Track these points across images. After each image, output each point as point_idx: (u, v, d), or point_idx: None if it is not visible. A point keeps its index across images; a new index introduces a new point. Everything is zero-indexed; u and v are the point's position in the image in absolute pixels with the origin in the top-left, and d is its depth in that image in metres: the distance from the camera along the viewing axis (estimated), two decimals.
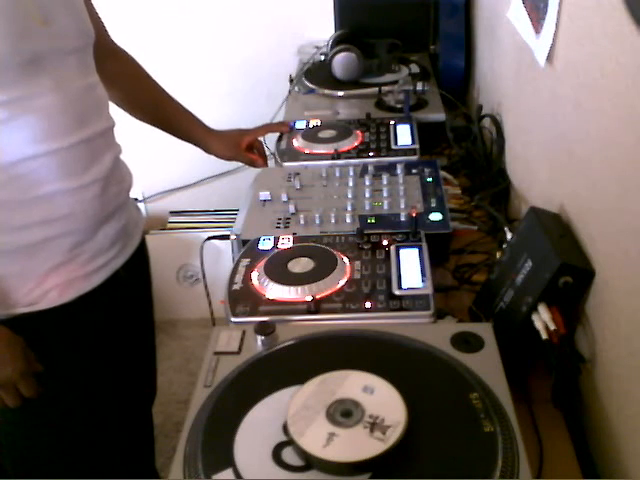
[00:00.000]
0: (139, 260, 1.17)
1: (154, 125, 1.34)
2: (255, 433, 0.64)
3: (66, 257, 0.98)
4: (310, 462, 0.60)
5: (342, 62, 1.65)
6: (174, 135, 1.36)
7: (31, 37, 0.89)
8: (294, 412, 0.64)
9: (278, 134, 1.42)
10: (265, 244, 0.98)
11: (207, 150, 1.38)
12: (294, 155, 1.31)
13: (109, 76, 1.13)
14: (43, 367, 0.98)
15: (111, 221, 1.05)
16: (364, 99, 1.58)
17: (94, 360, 1.08)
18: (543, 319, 0.77)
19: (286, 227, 1.05)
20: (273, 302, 0.86)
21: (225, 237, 1.09)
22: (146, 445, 1.36)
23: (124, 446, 1.17)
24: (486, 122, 1.40)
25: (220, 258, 1.89)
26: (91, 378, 1.08)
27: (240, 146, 1.38)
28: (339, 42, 1.70)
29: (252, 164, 1.41)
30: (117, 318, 1.12)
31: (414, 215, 0.97)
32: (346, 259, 0.92)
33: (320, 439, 0.61)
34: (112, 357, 1.11)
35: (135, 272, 1.15)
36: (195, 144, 1.37)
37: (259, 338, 0.76)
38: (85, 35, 1.00)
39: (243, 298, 0.87)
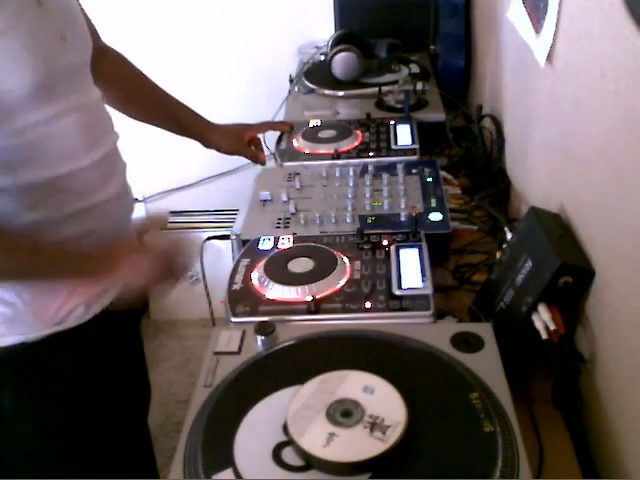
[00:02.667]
0: None
1: (152, 122, 1.30)
2: (255, 433, 0.64)
3: None
4: (310, 462, 0.60)
5: (342, 62, 1.65)
6: (173, 130, 1.32)
7: (59, 54, 0.89)
8: (294, 412, 0.64)
9: (278, 134, 1.41)
10: (265, 244, 0.98)
11: (208, 144, 1.33)
12: (294, 155, 1.31)
13: (106, 77, 1.12)
14: (64, 387, 0.99)
15: (122, 233, 1.04)
16: (364, 99, 1.58)
17: (105, 371, 1.06)
18: (543, 319, 0.77)
19: (286, 227, 1.05)
20: (273, 302, 0.86)
21: (225, 237, 1.09)
22: (144, 457, 1.32)
23: (122, 461, 1.14)
24: (486, 122, 1.40)
25: (220, 258, 1.88)
26: (98, 391, 1.06)
27: (243, 140, 1.35)
28: (339, 42, 1.70)
29: (254, 159, 1.37)
30: (124, 325, 1.11)
31: (414, 215, 0.97)
32: (346, 259, 0.92)
33: (320, 439, 0.61)
34: (113, 366, 1.09)
35: None
36: (196, 138, 1.32)
37: (259, 338, 0.76)
38: (90, 46, 1.00)
39: (243, 298, 0.87)
